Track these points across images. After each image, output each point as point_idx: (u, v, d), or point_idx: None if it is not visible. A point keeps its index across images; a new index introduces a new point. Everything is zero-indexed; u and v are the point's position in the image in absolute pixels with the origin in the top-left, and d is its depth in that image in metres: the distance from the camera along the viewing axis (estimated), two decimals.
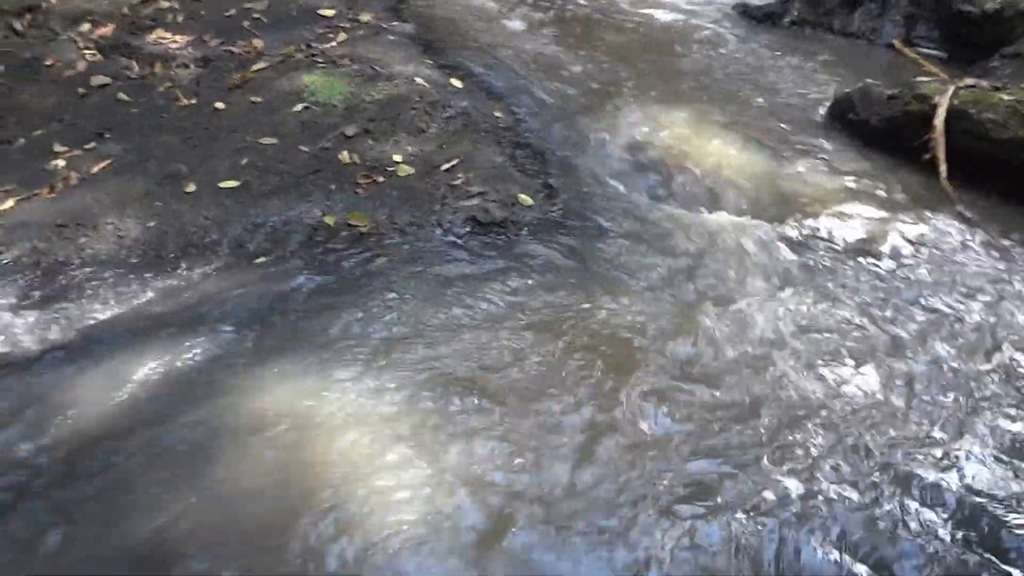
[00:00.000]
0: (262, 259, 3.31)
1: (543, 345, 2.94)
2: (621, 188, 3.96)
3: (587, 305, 3.13)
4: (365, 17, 5.04)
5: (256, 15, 4.97)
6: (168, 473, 2.46)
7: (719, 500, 2.45)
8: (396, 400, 2.74)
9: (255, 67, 4.43)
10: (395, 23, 5.10)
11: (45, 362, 2.86)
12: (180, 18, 4.85)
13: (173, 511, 2.35)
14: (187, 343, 2.93)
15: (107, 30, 4.73)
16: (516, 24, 5.42)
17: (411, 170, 3.81)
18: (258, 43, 4.66)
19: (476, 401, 2.72)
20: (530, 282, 3.28)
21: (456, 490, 2.44)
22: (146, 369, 2.82)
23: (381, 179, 3.75)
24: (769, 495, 2.47)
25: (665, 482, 2.49)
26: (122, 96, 4.28)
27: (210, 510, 2.37)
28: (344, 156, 3.85)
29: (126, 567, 2.21)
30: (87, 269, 3.23)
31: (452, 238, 3.49)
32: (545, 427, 2.63)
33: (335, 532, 2.30)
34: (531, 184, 3.85)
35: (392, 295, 3.14)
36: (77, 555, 2.22)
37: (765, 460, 2.57)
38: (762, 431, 2.67)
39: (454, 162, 3.86)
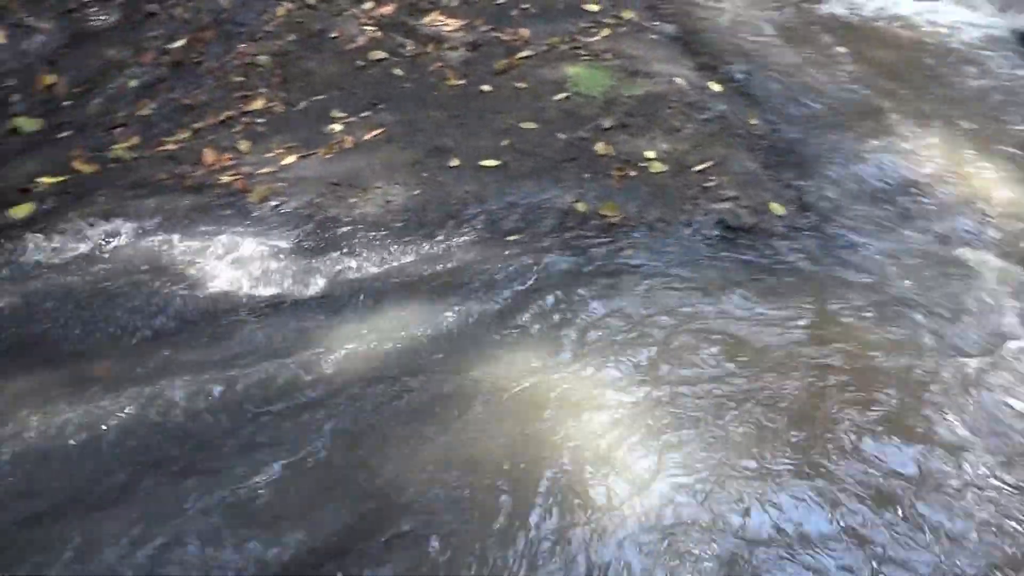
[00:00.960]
0: (514, 236, 3.42)
1: (787, 360, 2.87)
2: (876, 208, 3.79)
3: (834, 327, 3.03)
4: (628, 15, 5.09)
5: (525, 5, 5.14)
6: (408, 426, 2.60)
7: None
8: (632, 390, 2.76)
9: (521, 54, 4.59)
10: (656, 22, 5.12)
11: (310, 306, 3.09)
12: (455, 3, 5.10)
13: (409, 464, 2.47)
14: (439, 306, 3.08)
15: (388, 9, 5.04)
16: (777, 31, 5.29)
17: (663, 167, 3.82)
18: (525, 32, 4.82)
19: (712, 406, 2.69)
20: (776, 292, 3.21)
21: (685, 491, 2.43)
22: (400, 325, 2.99)
23: (633, 173, 3.78)
24: None
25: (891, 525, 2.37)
26: (396, 71, 4.55)
27: (441, 469, 2.48)
28: (599, 147, 3.91)
29: (358, 510, 2.34)
30: (355, 227, 3.46)
31: (700, 239, 3.47)
32: (782, 446, 2.57)
33: (557, 512, 2.35)
34: (783, 193, 3.77)
35: (638, 287, 3.17)
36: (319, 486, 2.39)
37: None
38: None
39: (707, 164, 3.84)
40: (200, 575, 2.10)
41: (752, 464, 2.51)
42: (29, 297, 2.99)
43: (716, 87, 4.45)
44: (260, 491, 2.34)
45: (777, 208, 3.63)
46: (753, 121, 4.22)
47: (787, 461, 2.54)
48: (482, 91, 4.31)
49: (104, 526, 2.22)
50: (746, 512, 2.36)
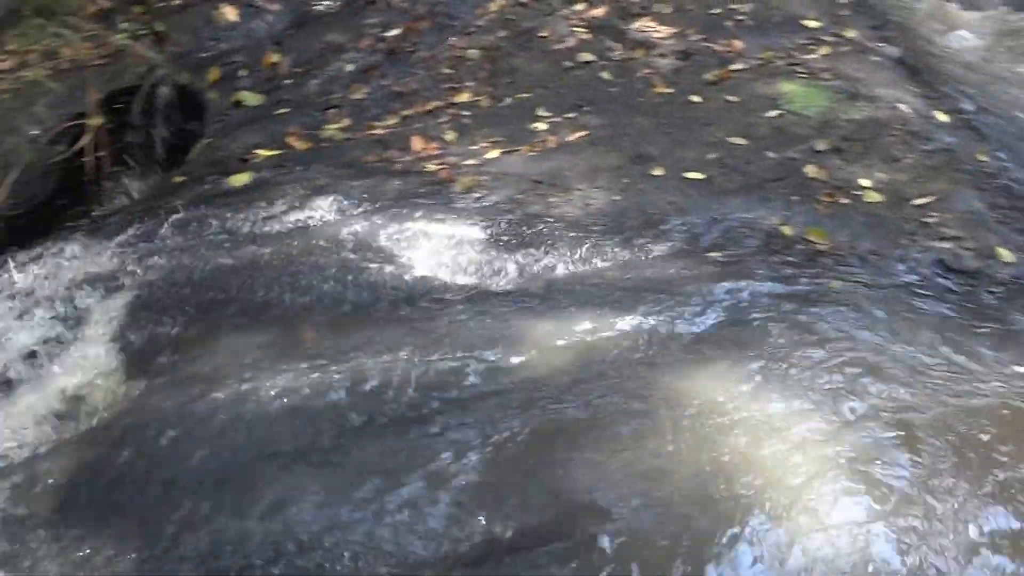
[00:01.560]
0: (715, 253, 3.31)
1: (997, 409, 2.63)
2: None
3: None
4: (850, 33, 4.86)
5: (739, 16, 5.00)
6: (596, 431, 2.54)
7: None
8: (828, 427, 2.61)
9: (733, 67, 4.46)
10: (881, 44, 4.85)
11: (505, 299, 3.10)
12: (667, 10, 5.01)
13: (598, 469, 2.41)
14: (632, 314, 3.01)
15: (599, 12, 5.02)
16: (1015, 62, 4.92)
17: (879, 197, 3.61)
18: (738, 44, 4.68)
19: (916, 458, 2.50)
20: (993, 344, 2.96)
21: (883, 538, 2.27)
22: (591, 328, 2.94)
23: (845, 200, 3.59)
24: None
25: None
26: (603, 75, 4.52)
27: (630, 478, 2.41)
28: (810, 170, 3.74)
29: (544, 509, 2.30)
30: (554, 225, 3.44)
31: (915, 277, 3.25)
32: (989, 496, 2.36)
33: (748, 533, 2.24)
34: (1012, 239, 3.48)
35: (842, 321, 2.99)
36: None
37: None
38: None
39: (929, 198, 3.59)
40: (389, 544, 2.11)
41: (952, 504, 2.31)
42: (244, 261, 3.13)
43: (942, 117, 4.16)
44: (447, 474, 2.34)
45: (1004, 254, 3.35)
46: (982, 158, 3.93)
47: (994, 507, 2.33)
48: (690, 101, 4.22)
49: (296, 484, 2.28)
50: (956, 559, 2.18)
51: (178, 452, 2.34)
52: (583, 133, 4.04)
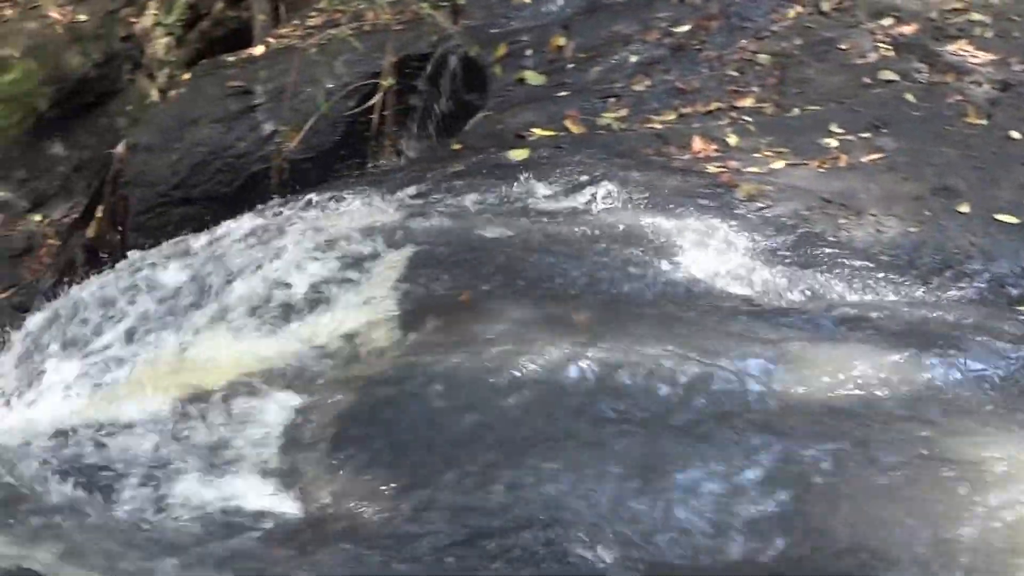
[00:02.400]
0: None
1: None
2: None
3: None
4: None
5: None
6: (872, 477, 2.33)
7: None
8: None
9: None
10: None
11: (780, 317, 2.92)
12: (989, 34, 4.59)
13: (882, 518, 2.20)
14: (919, 358, 2.75)
15: (908, 29, 4.67)
16: None
17: None
18: None
19: None
20: None
21: None
22: (873, 365, 2.71)
23: None
24: None
25: None
26: (907, 96, 4.20)
27: (914, 533, 2.18)
28: None
29: (822, 552, 2.13)
30: (840, 249, 3.23)
31: None
32: None
33: None
34: None
35: None
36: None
37: None
38: None
39: None
40: (636, 540, 2.03)
41: None
42: (518, 234, 3.14)
43: None
44: (703, 485, 2.22)
45: None
46: None
47: None
48: (1009, 137, 3.83)
49: (547, 463, 2.23)
50: None
51: (443, 407, 2.36)
52: (879, 155, 3.76)
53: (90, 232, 4.83)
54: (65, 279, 4.74)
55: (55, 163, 5.42)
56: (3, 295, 4.96)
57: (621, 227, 3.20)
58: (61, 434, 2.57)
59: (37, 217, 5.29)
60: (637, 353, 2.55)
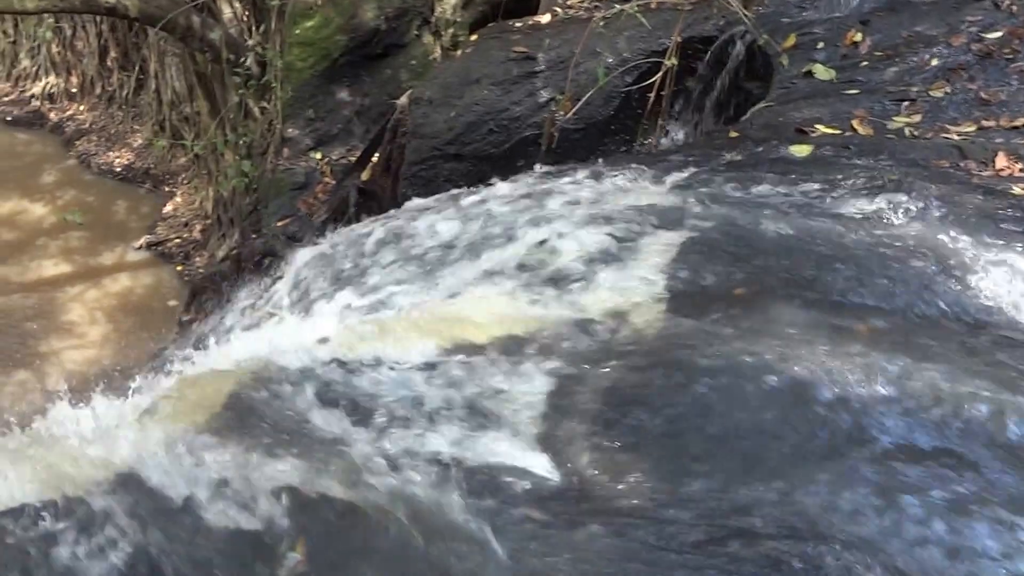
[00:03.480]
0: None
1: None
2: None
3: None
4: None
5: None
6: None
7: None
8: None
9: None
10: None
11: None
12: None
13: None
14: None
15: None
16: None
17: None
18: None
19: None
20: None
21: None
22: None
23: None
24: None
25: None
26: None
27: None
28: None
29: None
30: None
31: None
32: None
33: None
34: None
35: None
36: None
37: None
38: None
39: None
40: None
41: None
42: (799, 233, 3.00)
43: None
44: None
45: None
46: None
47: None
48: None
49: (815, 474, 2.11)
50: None
51: (710, 400, 2.30)
52: None
53: (364, 175, 5.13)
54: (337, 217, 5.07)
55: (340, 107, 5.78)
56: (280, 223, 5.38)
57: (912, 241, 2.98)
58: (330, 363, 2.73)
59: (318, 155, 5.68)
60: (920, 374, 2.37)
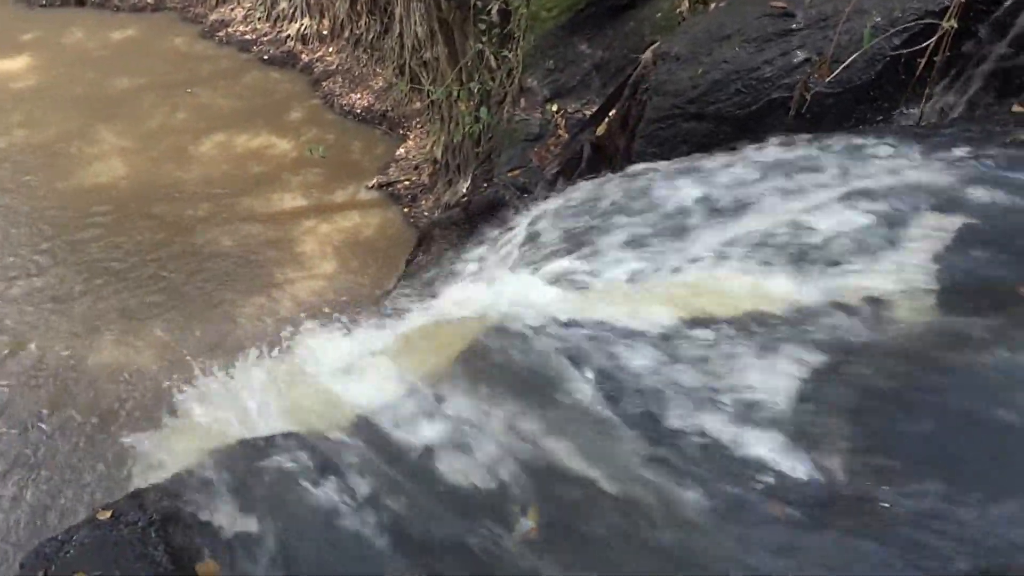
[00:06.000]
0: None
1: None
2: None
3: None
4: None
5: None
6: None
7: None
8: None
9: None
10: None
11: None
12: None
13: None
14: None
15: None
16: None
17: None
18: None
19: None
20: None
21: None
22: None
23: None
24: None
25: None
26: None
27: None
28: None
29: None
30: None
31: None
32: None
33: None
34: None
35: None
36: None
37: None
38: None
39: None
40: None
41: None
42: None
43: None
44: None
45: None
46: None
47: None
48: None
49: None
50: None
51: (985, 407, 2.04)
52: None
53: (599, 130, 5.01)
54: (568, 171, 5.01)
55: (580, 59, 5.69)
56: (511, 173, 5.38)
57: None
58: (563, 324, 2.66)
59: (554, 107, 5.62)
60: None
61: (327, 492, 2.05)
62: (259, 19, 10.71)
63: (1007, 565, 1.74)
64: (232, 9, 10.97)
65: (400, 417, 2.33)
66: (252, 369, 3.01)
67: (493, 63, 6.08)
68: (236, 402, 2.76)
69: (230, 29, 10.84)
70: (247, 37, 10.68)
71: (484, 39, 5.84)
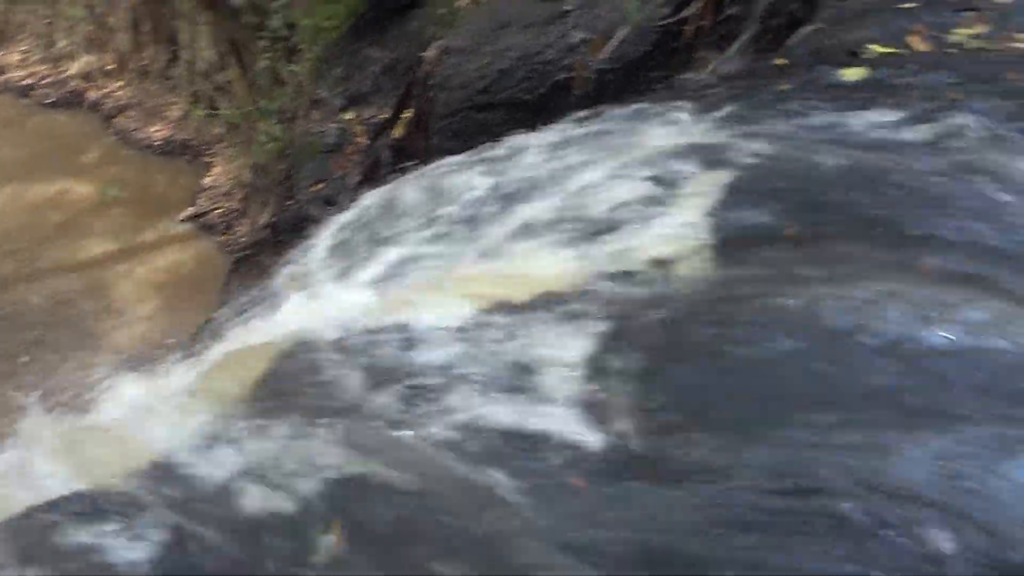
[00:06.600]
0: None
1: None
2: None
3: None
4: None
5: None
6: None
7: None
8: None
9: None
10: None
11: None
12: None
13: None
14: None
15: None
16: None
17: None
18: None
19: None
20: None
21: None
22: None
23: None
24: None
25: None
26: None
27: None
28: None
29: None
30: None
31: None
32: None
33: None
34: None
35: None
36: None
37: None
38: None
39: None
40: None
41: None
42: (855, 166, 2.78)
43: None
44: None
45: None
46: None
47: None
48: None
49: (879, 429, 1.94)
50: None
51: (763, 353, 2.13)
52: None
53: (396, 133, 4.97)
54: (372, 177, 4.94)
55: (369, 64, 5.63)
56: (313, 188, 5.27)
57: (980, 165, 2.74)
58: (363, 332, 2.62)
59: (349, 115, 5.54)
60: (992, 312, 2.16)
61: (117, 546, 1.92)
62: (37, 61, 10.07)
63: (790, 490, 1.82)
64: (5, 54, 10.26)
65: (199, 458, 2.22)
66: (45, 432, 2.82)
67: (284, 78, 5.94)
68: (25, 471, 2.57)
69: (6, 75, 10.14)
70: (26, 82, 10.02)
71: (270, 55, 5.69)
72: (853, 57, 3.71)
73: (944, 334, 2.00)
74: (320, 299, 3.15)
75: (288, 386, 2.39)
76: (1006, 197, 2.53)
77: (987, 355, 2.00)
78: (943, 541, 1.72)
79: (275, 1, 5.82)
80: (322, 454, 2.03)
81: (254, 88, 6.30)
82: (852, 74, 3.46)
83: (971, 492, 1.75)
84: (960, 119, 2.99)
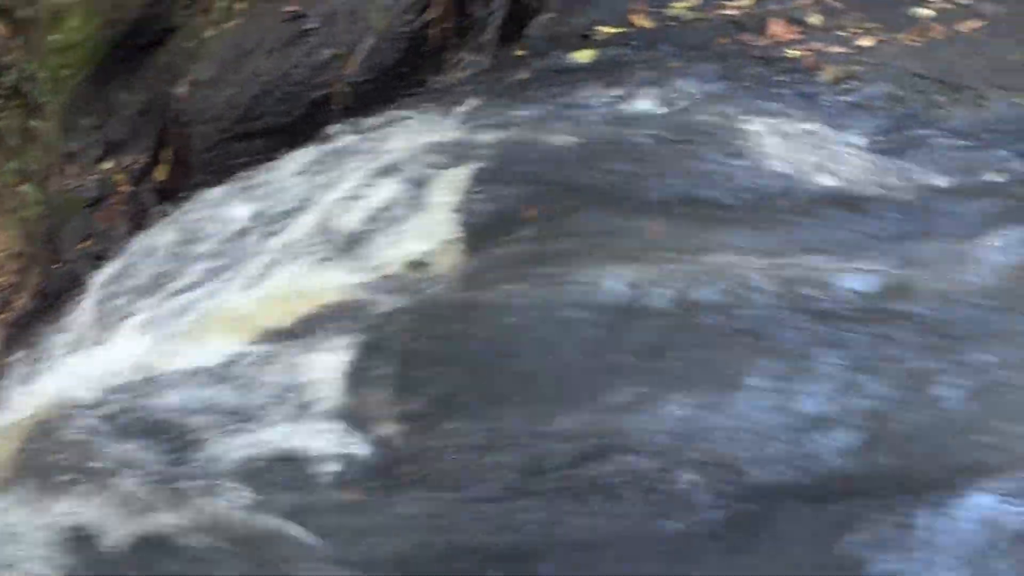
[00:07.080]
0: None
1: None
2: None
3: None
4: None
5: None
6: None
7: None
8: None
9: None
10: None
11: (880, 210, 2.68)
12: None
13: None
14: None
15: None
16: None
17: None
18: None
19: None
20: None
21: None
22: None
23: None
24: None
25: None
26: None
27: None
28: None
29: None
30: (938, 130, 2.94)
31: None
32: None
33: None
34: None
35: None
36: None
37: None
38: None
39: None
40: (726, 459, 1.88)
41: None
42: (586, 143, 2.95)
43: None
44: (799, 396, 2.05)
45: None
46: None
47: None
48: None
49: (631, 385, 2.09)
50: None
51: (510, 337, 2.25)
52: (980, 23, 3.40)
53: (159, 175, 4.80)
54: (139, 225, 4.75)
55: (121, 108, 5.38)
56: (80, 245, 5.01)
57: (699, 126, 2.98)
58: (129, 387, 2.55)
59: (109, 164, 5.28)
60: (717, 263, 2.36)
61: None
62: None
63: (554, 464, 1.92)
64: None
65: None
66: None
67: (34, 134, 5.60)
68: None
69: None
70: None
71: (7, 113, 5.34)
72: (584, 40, 3.91)
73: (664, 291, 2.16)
74: (84, 361, 3.02)
75: (39, 462, 2.28)
76: (712, 152, 2.76)
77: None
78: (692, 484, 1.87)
79: (5, 56, 5.47)
80: (64, 519, 1.96)
81: (2, 149, 5.90)
82: (583, 56, 3.65)
83: (702, 434, 1.92)
84: (680, 85, 3.22)
